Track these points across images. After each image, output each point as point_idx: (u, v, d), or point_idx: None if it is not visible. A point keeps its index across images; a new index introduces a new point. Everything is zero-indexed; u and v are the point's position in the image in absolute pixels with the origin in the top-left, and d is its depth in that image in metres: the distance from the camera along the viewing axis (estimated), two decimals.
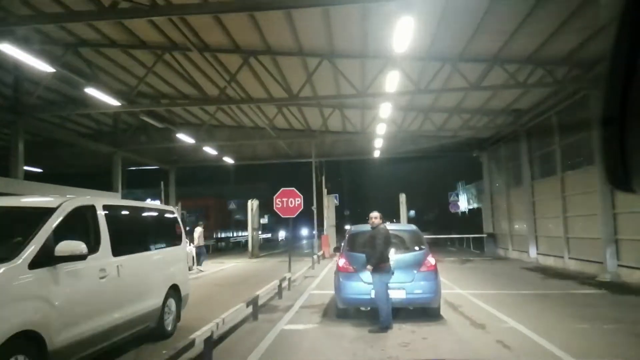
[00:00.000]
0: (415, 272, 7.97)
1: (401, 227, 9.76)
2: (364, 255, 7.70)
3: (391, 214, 27.32)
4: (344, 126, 22.70)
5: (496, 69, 13.61)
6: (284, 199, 12.49)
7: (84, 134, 22.82)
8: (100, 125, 21.28)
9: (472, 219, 46.26)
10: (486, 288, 12.27)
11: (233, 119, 23.14)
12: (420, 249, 8.42)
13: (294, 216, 12.54)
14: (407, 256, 8.26)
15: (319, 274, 16.03)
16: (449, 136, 24.30)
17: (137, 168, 28.43)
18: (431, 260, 8.15)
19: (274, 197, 12.55)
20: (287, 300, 10.66)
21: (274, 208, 13.07)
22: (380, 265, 7.41)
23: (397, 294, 7.80)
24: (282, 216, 12.92)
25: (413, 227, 9.10)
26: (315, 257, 18.88)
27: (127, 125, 22.14)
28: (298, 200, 12.46)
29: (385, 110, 16.11)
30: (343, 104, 19.94)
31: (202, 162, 27.32)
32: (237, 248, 36.47)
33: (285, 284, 12.19)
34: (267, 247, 35.88)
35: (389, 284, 7.58)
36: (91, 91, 13.03)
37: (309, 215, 23.56)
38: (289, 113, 21.07)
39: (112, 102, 13.96)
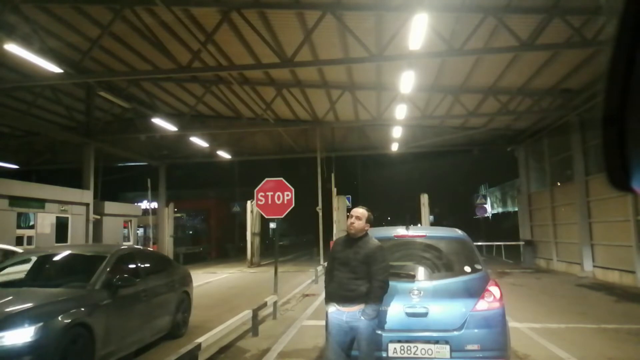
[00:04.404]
0: (467, 311, 4.51)
1: (438, 232, 5.70)
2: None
3: (411, 218, 23.76)
4: (356, 113, 19.23)
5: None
6: (269, 194, 9.05)
7: (59, 124, 19.88)
8: (71, 111, 18.15)
9: (497, 225, 42.88)
10: (549, 318, 8.73)
11: (228, 106, 19.92)
12: (475, 270, 4.91)
13: (282, 217, 9.10)
14: (452, 284, 4.75)
15: (323, 291, 12.62)
16: (479, 127, 20.82)
17: (125, 165, 25.36)
18: (494, 290, 4.67)
19: (255, 190, 9.15)
20: (263, 340, 7.27)
21: (256, 205, 9.70)
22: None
23: (435, 352, 4.39)
24: (266, 217, 9.52)
25: (459, 233, 5.42)
26: (319, 268, 15.52)
27: (104, 113, 18.98)
28: (288, 195, 9.00)
29: (408, 81, 12.61)
30: (354, 84, 16.53)
31: (196, 157, 24.12)
32: (244, 254, 33.20)
33: (267, 311, 8.83)
34: (272, 254, 32.39)
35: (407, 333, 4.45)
36: (19, 52, 9.80)
37: (315, 217, 20.16)
38: (291, 96, 17.73)
39: (52, 68, 10.76)
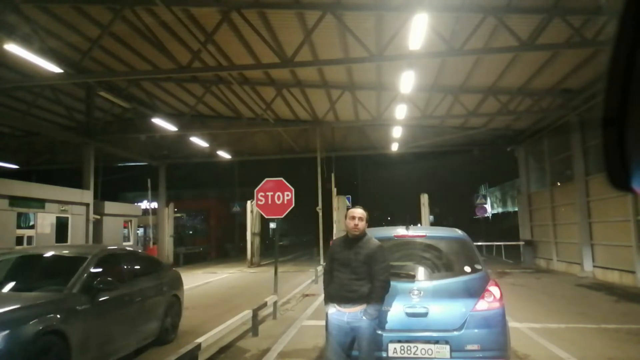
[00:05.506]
0: (467, 311, 4.51)
1: (438, 232, 5.65)
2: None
3: (411, 218, 23.75)
4: (356, 113, 19.24)
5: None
6: (269, 194, 9.06)
7: (59, 124, 19.91)
8: (71, 111, 18.14)
9: (497, 225, 42.88)
10: (549, 318, 8.74)
11: (228, 106, 19.92)
12: (475, 270, 4.91)
13: (282, 217, 9.12)
14: (452, 284, 4.75)
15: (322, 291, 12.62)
16: (479, 127, 20.83)
17: (125, 165, 25.35)
18: (494, 290, 4.67)
19: (255, 190, 9.16)
20: (263, 340, 7.27)
21: (256, 205, 9.71)
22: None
23: (435, 352, 4.39)
24: (266, 217, 9.53)
25: (459, 233, 5.41)
26: (319, 268, 15.52)
27: (104, 113, 18.99)
28: (288, 195, 9.00)
29: (408, 81, 12.62)
30: (354, 84, 16.53)
31: (196, 157, 24.12)
32: (244, 254, 33.19)
33: (267, 311, 8.83)
34: (272, 254, 32.32)
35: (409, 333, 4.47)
36: (19, 52, 9.80)
37: (315, 217, 20.16)
38: (291, 96, 17.74)
39: (52, 68, 10.76)
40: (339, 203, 21.52)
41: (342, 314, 4.25)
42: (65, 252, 6.55)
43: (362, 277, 4.23)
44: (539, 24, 10.52)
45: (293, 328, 8.07)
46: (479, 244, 25.34)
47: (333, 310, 4.32)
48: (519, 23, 10.62)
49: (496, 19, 10.43)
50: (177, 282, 7.95)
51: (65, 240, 16.31)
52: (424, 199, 21.61)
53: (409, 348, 4.41)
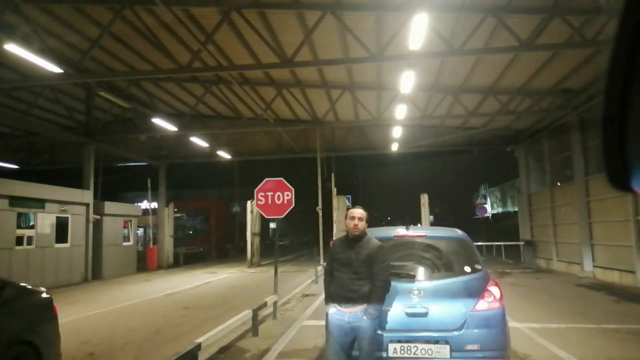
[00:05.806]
0: (467, 311, 4.50)
1: (438, 232, 5.66)
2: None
3: (411, 218, 23.75)
4: (356, 113, 19.25)
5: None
6: (269, 194, 9.07)
7: (59, 124, 19.92)
8: (71, 111, 18.16)
9: (497, 225, 42.83)
10: (549, 318, 8.72)
11: (228, 106, 19.90)
12: (475, 270, 4.91)
13: (282, 217, 9.12)
14: (452, 284, 4.74)
15: (322, 291, 12.62)
16: (479, 127, 20.83)
17: (125, 165, 25.34)
18: (494, 290, 4.67)
19: (255, 190, 9.17)
20: (263, 340, 7.27)
21: (256, 205, 9.71)
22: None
23: (435, 352, 4.38)
24: (266, 217, 9.52)
25: (459, 233, 5.42)
26: (319, 268, 15.52)
27: (104, 113, 19.01)
28: (288, 195, 9.01)
29: (408, 81, 12.63)
30: (354, 84, 16.53)
31: (196, 157, 24.11)
32: (244, 254, 33.17)
33: (267, 311, 8.83)
34: (272, 254, 32.28)
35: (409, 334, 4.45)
36: (19, 52, 9.80)
37: (315, 217, 20.15)
38: (291, 96, 17.74)
39: (52, 68, 10.77)
40: (339, 203, 21.50)
41: (343, 314, 4.24)
42: None
43: (363, 277, 4.23)
44: (539, 24, 10.53)
45: (293, 328, 8.07)
46: (479, 244, 25.33)
47: (334, 310, 4.31)
48: (519, 23, 10.63)
49: (496, 19, 10.44)
50: (36, 319, 4.61)
51: (66, 241, 16.32)
52: (424, 199, 21.58)
53: (409, 348, 4.40)
